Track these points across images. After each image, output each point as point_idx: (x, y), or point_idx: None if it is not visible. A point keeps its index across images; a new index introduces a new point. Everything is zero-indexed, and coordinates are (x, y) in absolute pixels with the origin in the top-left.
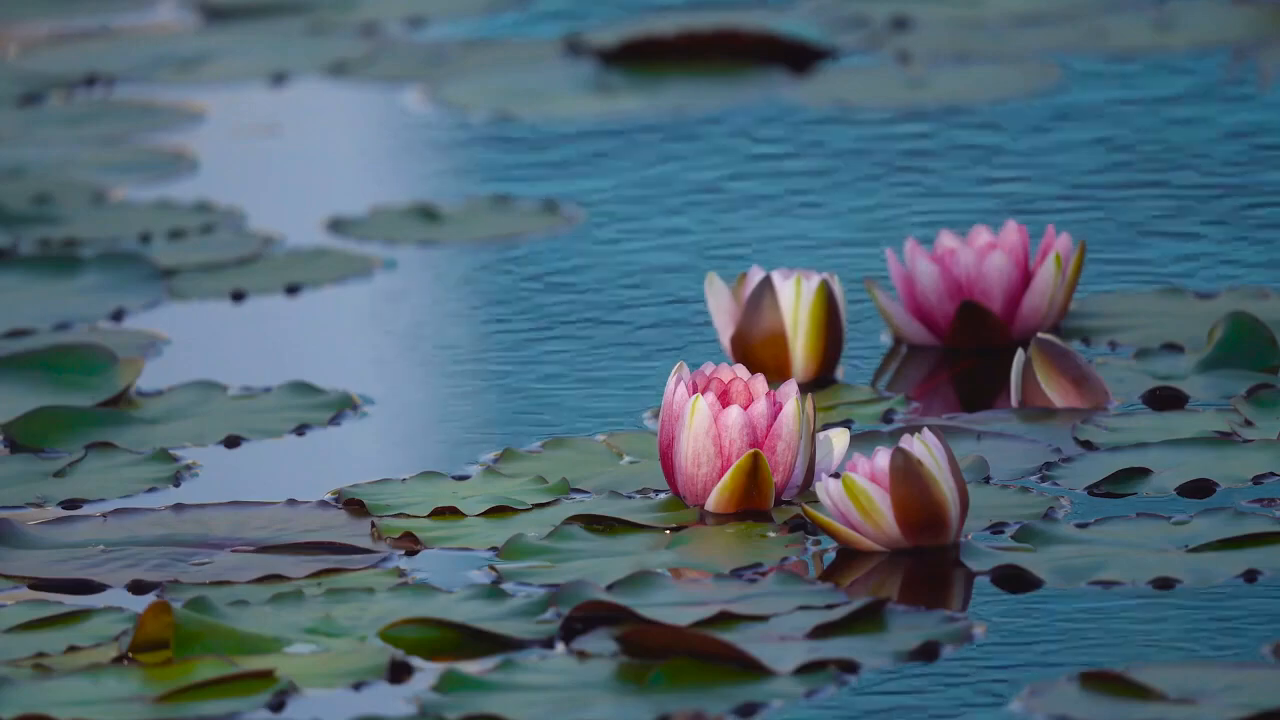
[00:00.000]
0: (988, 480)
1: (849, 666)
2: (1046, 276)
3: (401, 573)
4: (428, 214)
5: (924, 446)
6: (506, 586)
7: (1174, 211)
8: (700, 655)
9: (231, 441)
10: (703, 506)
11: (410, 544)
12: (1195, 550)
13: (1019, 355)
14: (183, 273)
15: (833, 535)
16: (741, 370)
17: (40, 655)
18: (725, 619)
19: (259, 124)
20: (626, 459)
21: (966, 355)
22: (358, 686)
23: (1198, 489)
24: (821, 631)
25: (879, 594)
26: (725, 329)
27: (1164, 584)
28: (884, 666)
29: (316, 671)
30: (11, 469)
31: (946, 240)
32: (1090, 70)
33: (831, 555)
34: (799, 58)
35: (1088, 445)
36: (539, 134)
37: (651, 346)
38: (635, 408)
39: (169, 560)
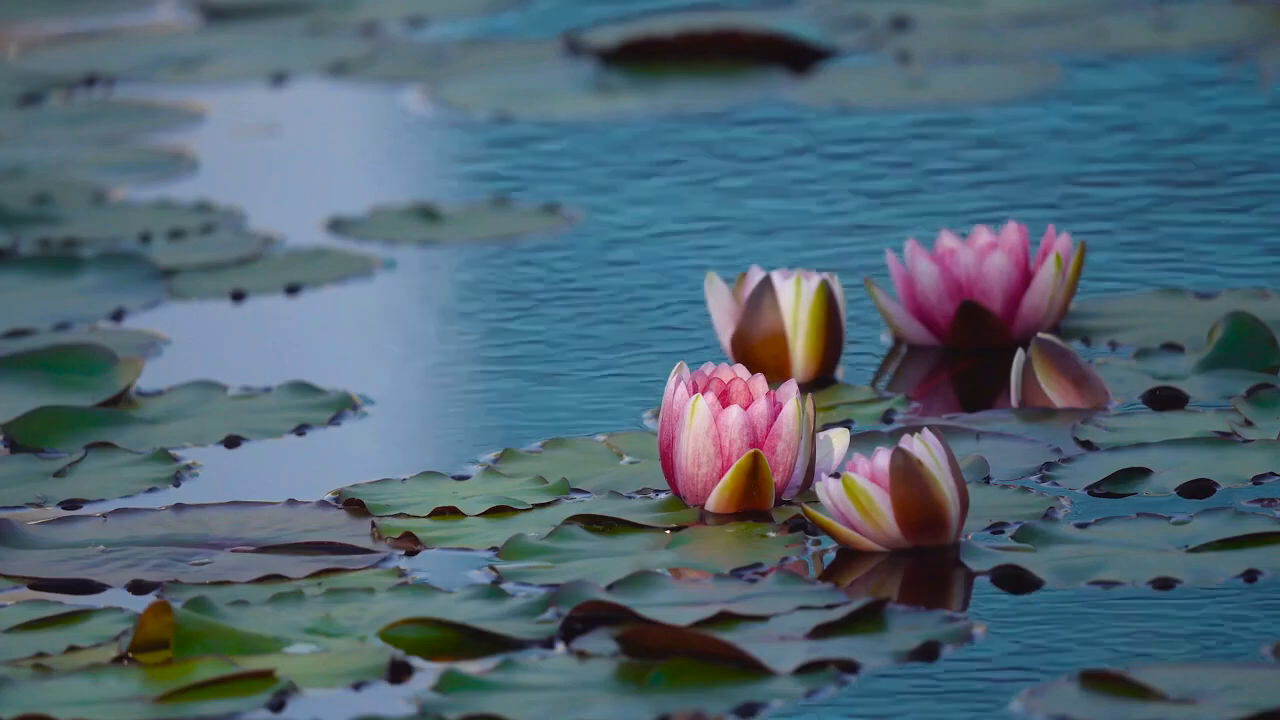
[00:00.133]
0: (988, 480)
1: (849, 666)
2: (1046, 277)
3: (401, 573)
4: (428, 214)
5: (924, 446)
6: (506, 586)
7: (1174, 211)
8: (700, 655)
9: (231, 441)
10: (703, 506)
11: (410, 544)
12: (1195, 550)
13: (1019, 355)
14: (183, 273)
15: (833, 535)
16: (741, 370)
17: (40, 655)
18: (725, 619)
19: (259, 124)
20: (626, 459)
21: (966, 355)
22: (358, 686)
23: (1198, 489)
24: (821, 631)
25: (879, 594)
26: (725, 329)
27: (1164, 584)
28: (884, 666)
29: (316, 671)
30: (11, 469)
31: (946, 240)
32: (1090, 70)
33: (831, 555)
34: (799, 58)
35: (1088, 445)
36: (539, 134)
37: (651, 346)
38: (635, 408)
39: (169, 560)
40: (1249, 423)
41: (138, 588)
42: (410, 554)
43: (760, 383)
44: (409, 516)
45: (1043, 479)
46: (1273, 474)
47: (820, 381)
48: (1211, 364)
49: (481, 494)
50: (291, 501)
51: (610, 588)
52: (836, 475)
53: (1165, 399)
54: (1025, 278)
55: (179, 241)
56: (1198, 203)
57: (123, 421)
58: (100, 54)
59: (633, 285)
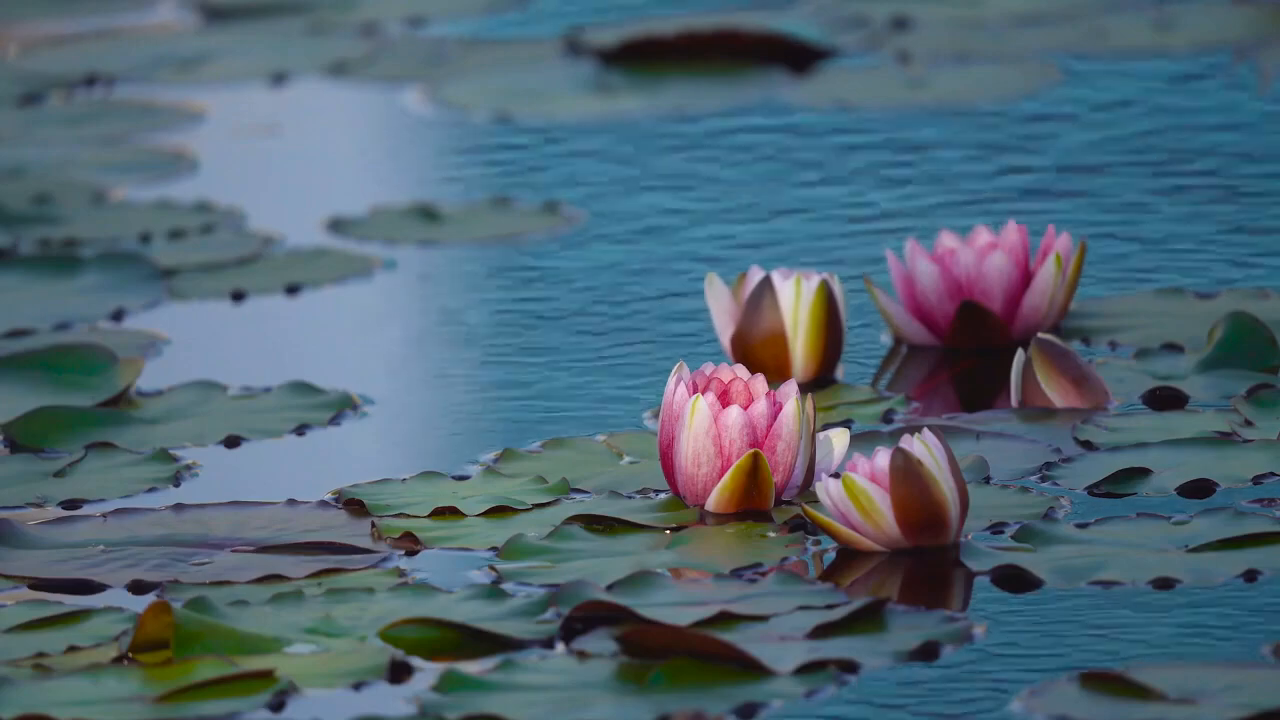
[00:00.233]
0: (988, 480)
1: (849, 666)
2: (1047, 276)
3: (401, 573)
4: (428, 214)
5: (924, 446)
6: (506, 586)
7: (1174, 211)
8: (700, 655)
9: (231, 441)
10: (703, 506)
11: (410, 544)
12: (1195, 550)
13: (1019, 355)
14: (183, 273)
15: (833, 535)
16: (741, 370)
17: (40, 655)
18: (725, 619)
19: (259, 124)
20: (626, 459)
21: (966, 355)
22: (358, 686)
23: (1198, 489)
24: (821, 631)
25: (879, 594)
26: (725, 329)
27: (1164, 584)
28: (884, 666)
29: (316, 671)
30: (11, 469)
31: (946, 240)
32: (1090, 70)
33: (831, 555)
34: (799, 58)
35: (1088, 445)
36: (539, 134)
37: (651, 346)
38: (635, 408)
39: (169, 560)
40: (1249, 423)
41: (138, 588)
42: (410, 554)
43: (760, 383)
44: (409, 516)
45: (1043, 479)
46: (1273, 474)
47: (820, 381)
48: (1211, 364)
49: (481, 494)
50: (291, 501)
51: (610, 588)
52: (836, 475)
53: (1165, 399)
54: (1025, 278)
55: (179, 241)
56: (1198, 202)
57: (123, 421)
58: (100, 54)
59: (632, 285)
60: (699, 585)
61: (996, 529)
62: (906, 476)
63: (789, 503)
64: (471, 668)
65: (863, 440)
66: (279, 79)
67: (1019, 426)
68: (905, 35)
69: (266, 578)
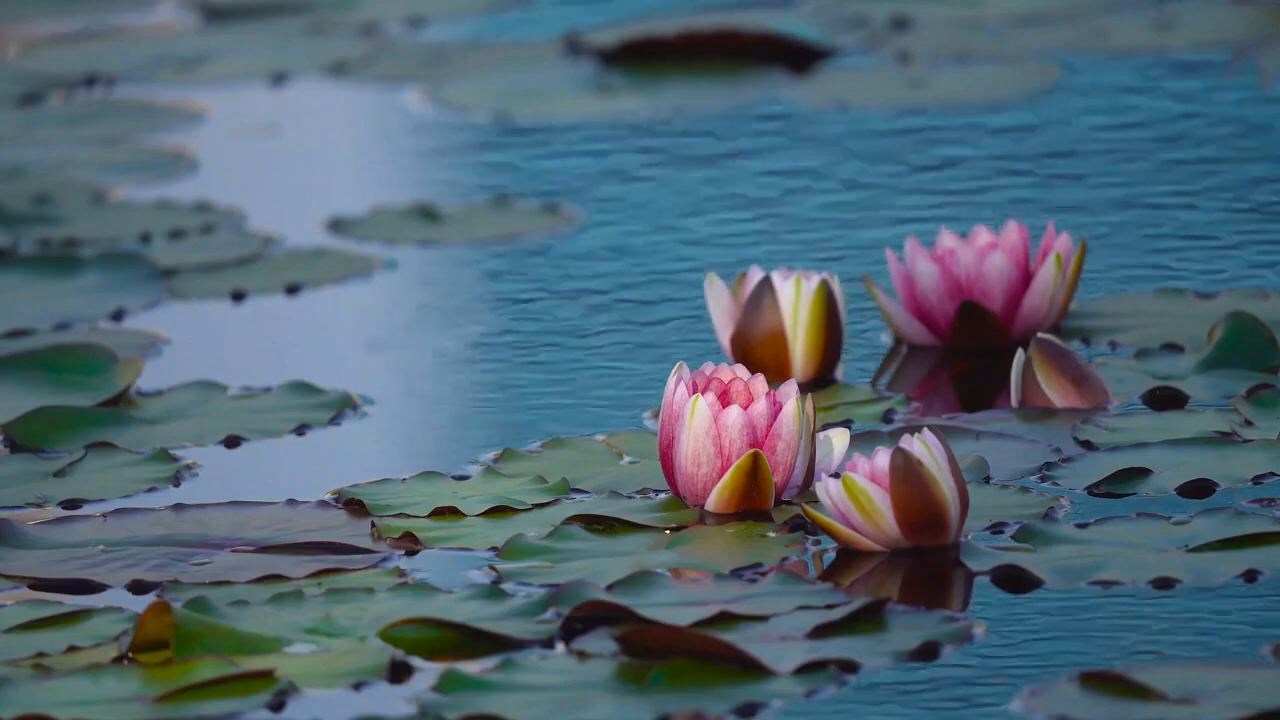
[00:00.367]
0: (988, 480)
1: (849, 666)
2: (1047, 276)
3: (401, 573)
4: (428, 214)
5: (924, 446)
6: (506, 586)
7: (1174, 211)
8: (700, 655)
9: (231, 441)
10: (703, 506)
11: (410, 544)
12: (1195, 550)
13: (1019, 355)
14: (183, 273)
15: (833, 535)
16: (741, 370)
17: (40, 655)
18: (725, 619)
19: (259, 124)
20: (626, 459)
21: (966, 355)
22: (358, 686)
23: (1198, 489)
24: (821, 631)
25: (879, 594)
26: (725, 329)
27: (1164, 584)
28: (884, 666)
29: (316, 671)
30: (11, 469)
31: (946, 240)
32: (1090, 69)
33: (831, 555)
34: (799, 58)
35: (1088, 445)
36: (539, 134)
37: (651, 346)
38: (635, 408)
39: (169, 560)
40: (1249, 423)
41: (138, 588)
42: (410, 554)
43: (760, 383)
44: (409, 516)
45: (1043, 479)
46: (1273, 474)
47: (820, 381)
48: (1211, 364)
49: (481, 494)
50: (291, 501)
51: (610, 588)
52: (836, 475)
53: (1165, 399)
54: (1025, 278)
55: (179, 241)
56: (1198, 202)
57: (123, 421)
58: (100, 54)
59: (632, 285)
60: (699, 585)
61: (996, 529)
62: (906, 476)
63: (789, 503)
64: (471, 668)
65: (863, 440)
66: (279, 79)
67: (1019, 426)
68: (905, 35)
69: (266, 578)
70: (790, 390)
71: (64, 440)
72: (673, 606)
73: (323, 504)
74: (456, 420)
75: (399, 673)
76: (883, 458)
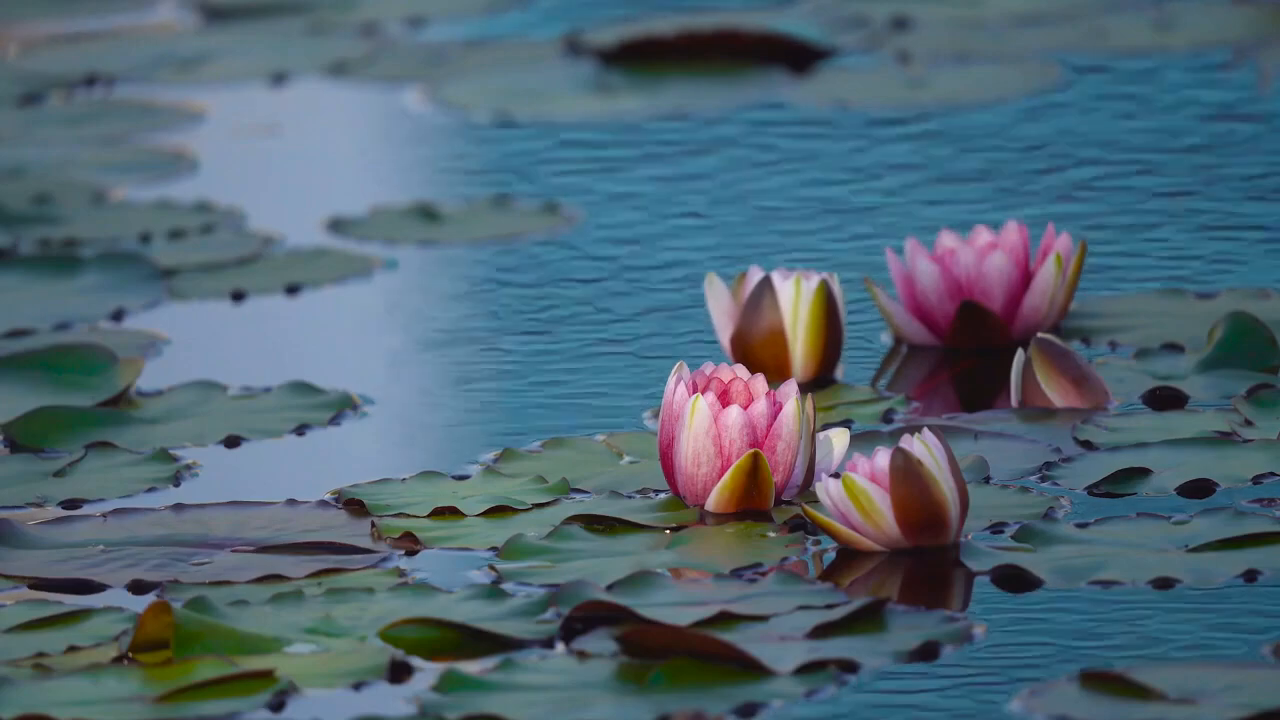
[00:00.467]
0: (988, 480)
1: (849, 666)
2: (1047, 276)
3: (401, 573)
4: (428, 214)
5: (924, 446)
6: (506, 586)
7: (1175, 211)
8: (700, 655)
9: (231, 441)
10: (703, 506)
11: (410, 544)
12: (1195, 550)
13: (1019, 355)
14: (183, 273)
15: (833, 535)
16: (741, 370)
17: (40, 655)
18: (725, 619)
19: (259, 124)
20: (626, 459)
21: (966, 355)
22: (358, 686)
23: (1198, 489)
24: (821, 631)
25: (879, 594)
26: (725, 329)
27: (1164, 584)
28: (884, 666)
29: (316, 671)
30: (11, 469)
31: (947, 240)
32: (1090, 70)
33: (831, 555)
34: (799, 58)
35: (1088, 445)
36: (539, 134)
37: (651, 346)
38: (635, 408)
39: (169, 560)
40: (1249, 423)
41: (138, 588)
42: (410, 554)
43: (760, 382)
44: (409, 516)
45: (1043, 479)
46: (1273, 474)
47: (820, 381)
48: (1211, 364)
49: (481, 494)
50: (291, 501)
51: (610, 588)
52: (836, 475)
53: (1165, 399)
54: (1025, 278)
55: (179, 241)
56: (1198, 202)
57: (123, 421)
58: (100, 54)
59: (632, 284)
60: (699, 585)
61: (996, 529)
62: (906, 476)
63: (789, 503)
64: (471, 668)
65: (863, 440)
66: (279, 79)
67: (1019, 426)
68: (905, 35)
69: (266, 578)
70: (790, 390)
71: (64, 440)
72: (673, 606)
73: (323, 504)
74: (456, 420)
75: (399, 673)
76: (883, 458)
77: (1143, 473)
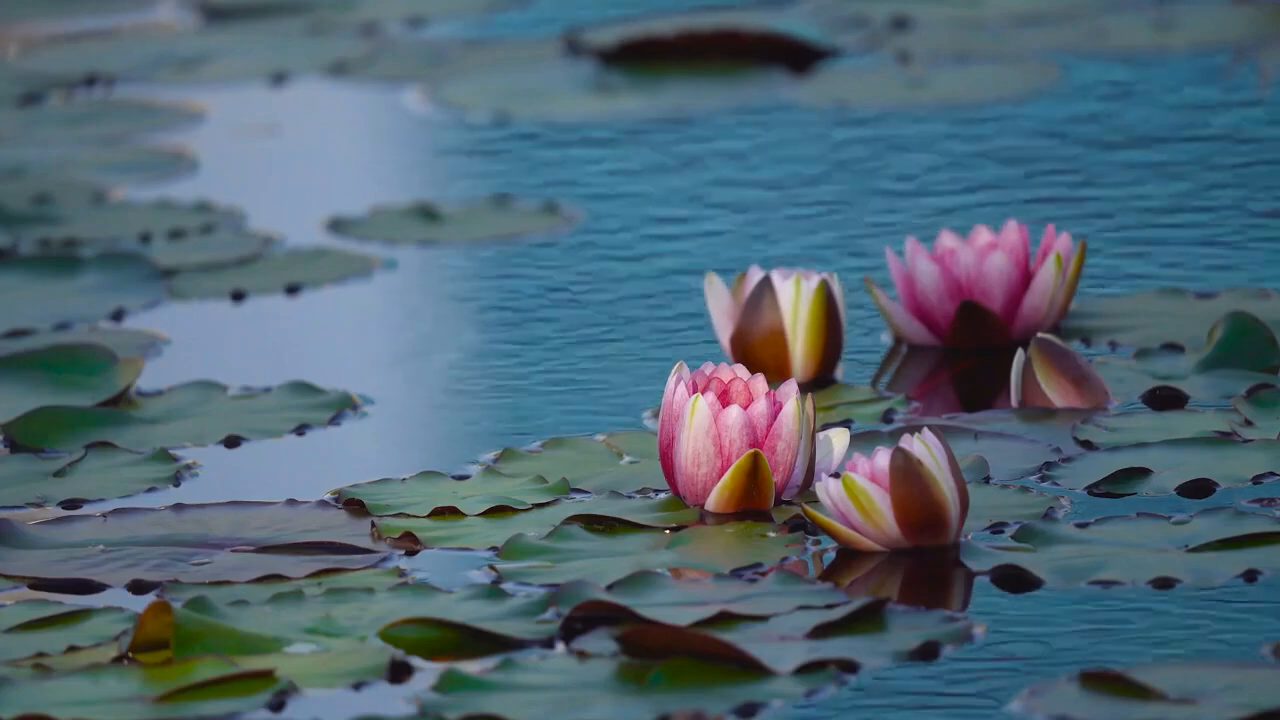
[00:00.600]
0: (988, 480)
1: (849, 666)
2: (1047, 276)
3: (401, 573)
4: (428, 214)
5: (924, 446)
6: (506, 586)
7: (1174, 211)
8: (700, 655)
9: (231, 441)
10: (703, 506)
11: (410, 544)
12: (1195, 550)
13: (1019, 355)
14: (183, 273)
15: (833, 535)
16: (741, 370)
17: (40, 655)
18: (725, 619)
19: (259, 124)
20: (626, 459)
21: (966, 355)
22: (358, 686)
23: (1198, 489)
24: (821, 631)
25: (879, 594)
26: (725, 329)
27: (1164, 584)
28: (884, 666)
29: (316, 671)
30: (11, 469)
31: (947, 240)
32: (1090, 69)
33: (831, 555)
34: (799, 58)
35: (1088, 445)
36: (539, 134)
37: (651, 346)
38: (635, 408)
39: (169, 560)
40: (1249, 423)
41: (138, 588)
42: (410, 554)
43: (760, 382)
44: (409, 516)
45: (1043, 479)
46: (1273, 474)
47: (820, 381)
48: (1211, 364)
49: (481, 494)
50: (291, 501)
51: (610, 588)
52: (836, 475)
53: (1165, 399)
54: (1025, 278)
55: (179, 241)
56: (1198, 202)
57: (123, 421)
58: (100, 54)
59: (632, 285)
60: (699, 585)
61: (996, 529)
62: (906, 476)
63: (789, 503)
64: (471, 668)
65: (863, 440)
66: (279, 79)
67: (1019, 426)
68: (905, 35)
69: (266, 578)
70: (790, 390)
71: (64, 440)
72: (673, 606)
73: (323, 504)
74: (456, 420)
75: (399, 673)
76: (883, 458)
77: (1143, 473)
